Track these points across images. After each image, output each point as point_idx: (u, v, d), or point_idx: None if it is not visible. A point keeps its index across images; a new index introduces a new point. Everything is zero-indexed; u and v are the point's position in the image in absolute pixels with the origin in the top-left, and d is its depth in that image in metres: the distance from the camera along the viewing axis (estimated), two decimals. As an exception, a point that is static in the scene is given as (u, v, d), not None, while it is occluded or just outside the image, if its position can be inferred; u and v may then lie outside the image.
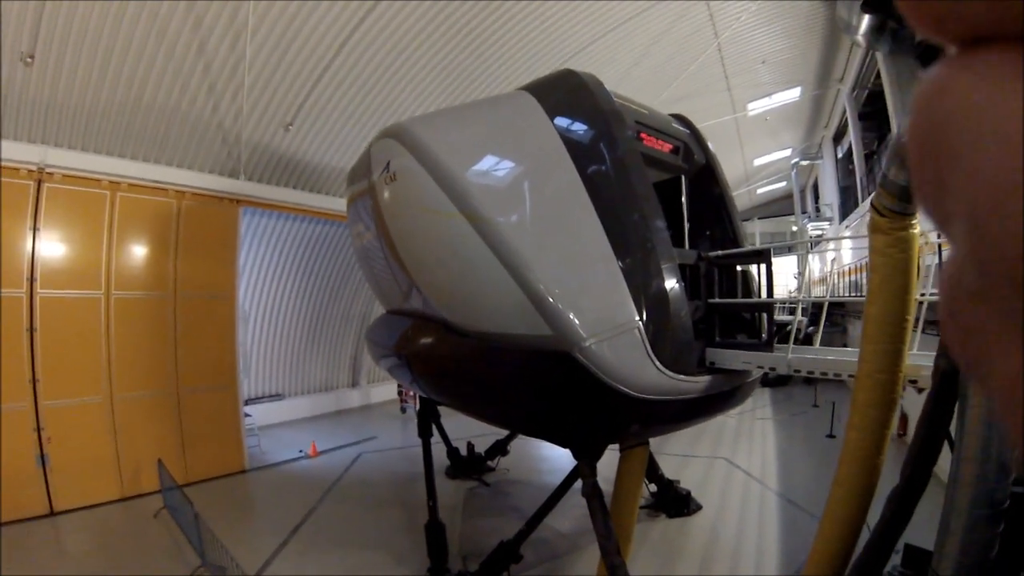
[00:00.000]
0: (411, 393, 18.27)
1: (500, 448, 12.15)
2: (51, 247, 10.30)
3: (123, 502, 10.57)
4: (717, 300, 6.91)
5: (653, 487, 9.92)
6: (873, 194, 4.59)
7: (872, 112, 22.51)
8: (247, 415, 13.54)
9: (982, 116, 0.30)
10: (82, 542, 8.96)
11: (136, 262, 11.48)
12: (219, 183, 12.70)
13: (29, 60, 9.06)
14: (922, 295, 5.01)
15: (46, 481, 9.89)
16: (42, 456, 9.86)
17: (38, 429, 9.89)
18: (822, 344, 6.94)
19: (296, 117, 13.00)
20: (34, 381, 9.92)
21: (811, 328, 12.29)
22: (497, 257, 5.59)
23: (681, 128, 8.04)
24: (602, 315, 5.43)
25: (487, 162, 6.28)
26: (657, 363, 5.42)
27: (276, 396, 17.87)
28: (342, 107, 13.56)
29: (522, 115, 6.53)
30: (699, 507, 9.92)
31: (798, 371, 5.77)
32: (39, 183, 10.10)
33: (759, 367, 6.26)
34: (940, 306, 0.34)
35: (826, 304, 6.75)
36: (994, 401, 0.32)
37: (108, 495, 10.56)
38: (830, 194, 30.69)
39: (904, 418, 11.94)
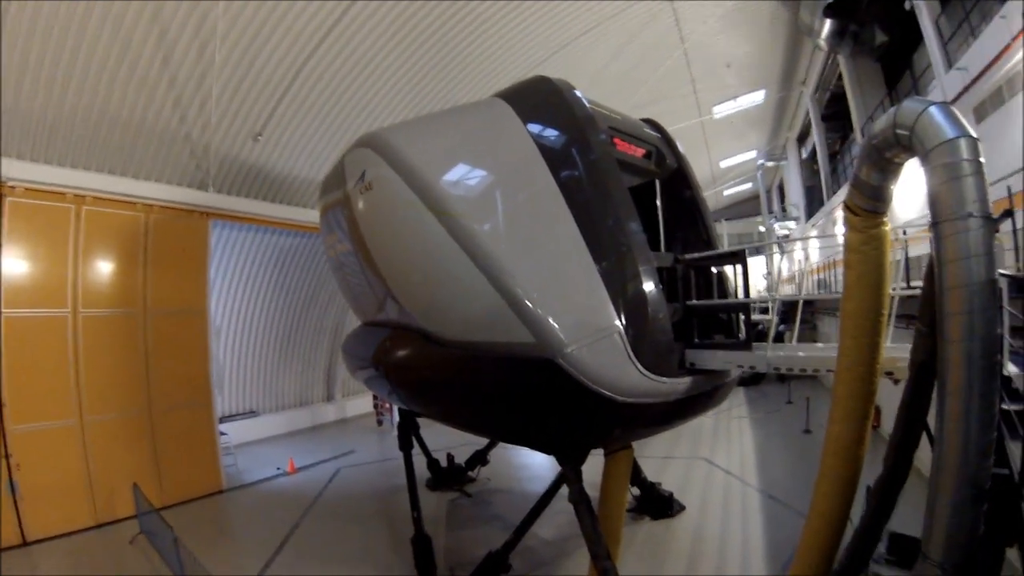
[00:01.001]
0: (387, 405, 18.11)
1: (480, 458, 12.09)
2: (14, 264, 9.90)
3: (98, 529, 10.20)
4: (695, 302, 6.97)
5: (636, 490, 9.94)
6: (846, 194, 4.70)
7: (834, 113, 23.08)
8: (222, 433, 13.25)
9: None
10: (58, 572, 8.61)
11: (104, 278, 11.13)
12: (188, 195, 12.43)
13: (-12, 69, 8.69)
14: (893, 289, 5.13)
15: (16, 510, 9.46)
16: (11, 483, 9.44)
17: (6, 456, 9.47)
18: (790, 341, 7.07)
19: (266, 127, 12.80)
20: (0, 405, 9.51)
21: (782, 326, 12.50)
22: (476, 264, 5.57)
23: (653, 133, 8.13)
24: (583, 320, 5.44)
25: (463, 169, 6.27)
26: (639, 366, 5.45)
27: (251, 413, 17.53)
28: (312, 115, 13.41)
29: (497, 122, 6.53)
30: (682, 508, 9.99)
31: (778, 368, 5.86)
32: (0, 197, 9.72)
33: (738, 366, 6.34)
34: None
35: (800, 302, 6.86)
36: None
37: (82, 522, 10.15)
38: (796, 194, 31.37)
39: (877, 410, 12.20)
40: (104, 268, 11.17)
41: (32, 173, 10.03)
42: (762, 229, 36.51)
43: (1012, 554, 3.72)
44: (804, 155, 29.44)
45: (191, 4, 9.71)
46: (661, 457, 12.95)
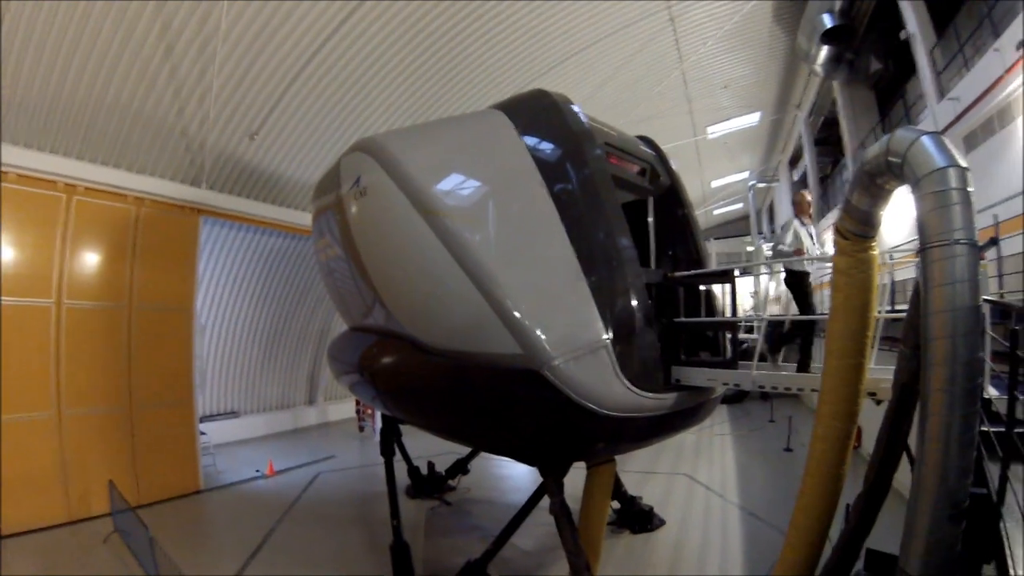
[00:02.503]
0: (370, 411, 18.00)
1: (461, 467, 12.01)
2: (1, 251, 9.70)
3: (70, 525, 9.94)
4: (683, 319, 7.02)
5: (616, 504, 9.93)
6: (837, 218, 4.78)
7: (827, 138, 23.49)
8: (202, 433, 13.10)
9: None
10: (26, 570, 8.39)
11: (90, 271, 10.95)
12: (180, 191, 12.32)
13: (-13, 51, 8.57)
14: (878, 312, 5.21)
15: None
16: None
17: None
18: (775, 360, 7.15)
19: (262, 127, 12.78)
20: None
21: (765, 346, 12.59)
22: (467, 274, 5.59)
23: (648, 150, 8.20)
24: (571, 333, 5.47)
25: (458, 179, 6.29)
26: (625, 381, 5.48)
27: (231, 414, 17.34)
28: (309, 118, 13.40)
29: (494, 133, 6.57)
30: (662, 522, 9.98)
31: (762, 387, 5.91)
32: None
33: (724, 384, 6.38)
34: None
35: (788, 322, 6.93)
36: None
37: (54, 518, 9.88)
38: (786, 216, 31.65)
39: (859, 430, 12.27)
40: (91, 260, 10.99)
41: (26, 160, 9.85)
42: (750, 249, 36.82)
43: (989, 570, 3.77)
44: (795, 178, 29.82)
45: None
46: (642, 472, 12.95)
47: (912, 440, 4.11)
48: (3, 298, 9.66)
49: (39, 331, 10.18)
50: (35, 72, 9.27)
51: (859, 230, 4.54)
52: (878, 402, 4.98)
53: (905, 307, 4.71)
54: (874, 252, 4.63)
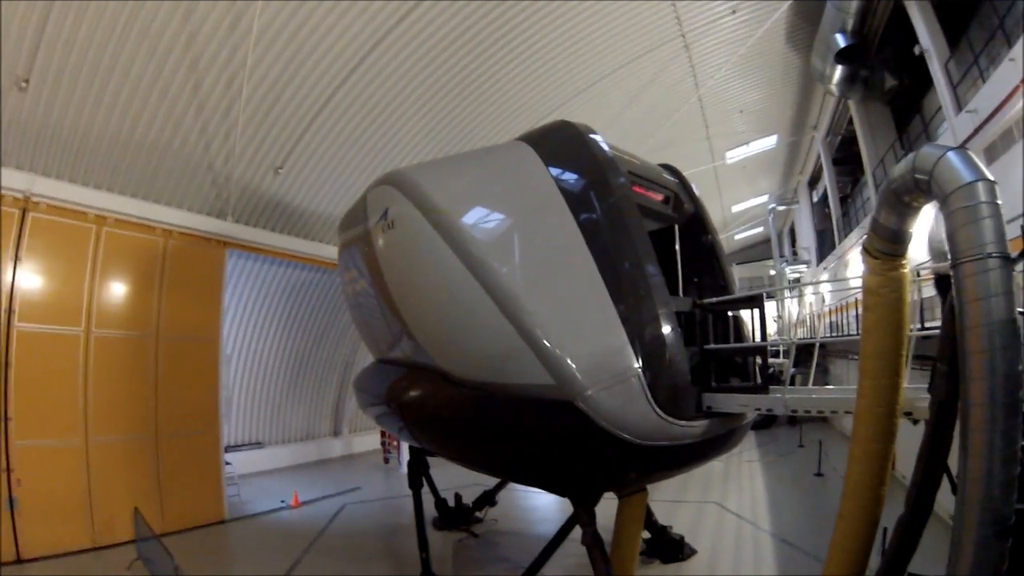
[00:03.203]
0: (395, 443, 17.93)
1: (488, 498, 11.91)
2: (31, 279, 9.93)
3: (95, 551, 9.98)
4: (713, 346, 6.97)
5: (646, 533, 9.76)
6: (865, 238, 4.76)
7: (845, 157, 23.35)
8: (227, 463, 13.16)
9: None
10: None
11: (119, 300, 11.19)
12: (207, 223, 12.62)
13: (24, 84, 8.92)
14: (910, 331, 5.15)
15: (13, 525, 9.27)
16: (11, 499, 9.26)
17: (8, 470, 9.32)
18: (801, 384, 7.04)
19: (287, 160, 13.08)
20: (5, 419, 9.38)
21: (793, 370, 12.42)
22: (497, 305, 5.63)
23: (671, 178, 8.26)
24: (602, 363, 5.47)
25: (486, 210, 6.37)
26: (657, 409, 5.44)
27: (256, 444, 17.41)
28: (332, 152, 13.70)
29: (519, 164, 6.67)
30: (693, 552, 9.77)
31: (794, 411, 5.83)
32: (24, 211, 9.80)
33: (756, 409, 6.30)
34: None
35: (817, 345, 6.86)
36: None
37: (79, 543, 9.93)
38: (806, 237, 31.46)
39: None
40: (119, 290, 11.24)
41: (57, 191, 10.13)
42: (772, 273, 36.51)
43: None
44: (815, 199, 29.65)
45: (223, 35, 10.05)
46: (672, 501, 12.72)
47: (952, 459, 4.04)
48: (33, 325, 9.89)
49: (68, 359, 10.36)
50: (67, 106, 9.62)
51: (888, 249, 4.51)
52: (915, 422, 4.89)
53: (932, 325, 4.66)
54: (904, 270, 4.59)
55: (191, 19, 9.61)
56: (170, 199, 12.02)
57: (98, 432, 10.55)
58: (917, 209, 4.28)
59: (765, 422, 21.74)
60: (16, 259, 9.72)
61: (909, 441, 4.92)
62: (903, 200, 4.20)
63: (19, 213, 9.78)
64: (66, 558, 9.65)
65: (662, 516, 10.46)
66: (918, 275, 7.03)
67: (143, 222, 11.53)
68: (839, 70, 16.35)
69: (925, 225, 4.84)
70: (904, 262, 4.60)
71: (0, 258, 9.52)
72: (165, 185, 11.78)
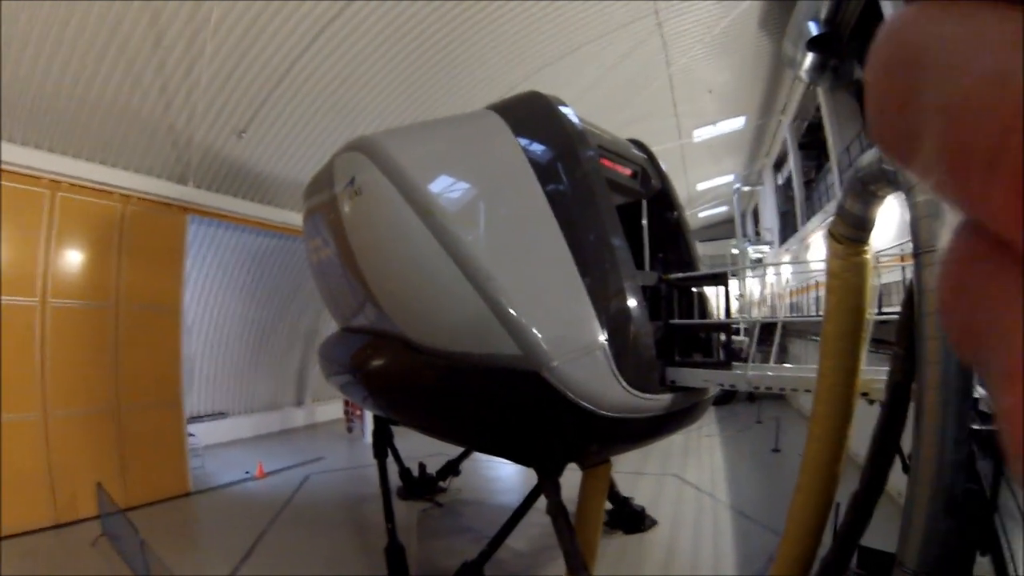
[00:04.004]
0: (358, 412, 17.93)
1: (452, 468, 12.02)
2: None
3: (57, 529, 9.82)
4: (677, 321, 7.09)
5: (608, 504, 9.99)
6: (830, 222, 4.87)
7: (811, 142, 23.73)
8: (190, 434, 12.97)
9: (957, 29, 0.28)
10: (15, 573, 8.29)
11: (76, 269, 10.81)
12: (167, 189, 12.20)
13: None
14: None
15: None
16: None
17: None
18: (760, 362, 7.24)
19: (250, 124, 12.67)
20: None
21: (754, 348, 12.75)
22: (464, 273, 5.58)
23: (639, 153, 8.27)
24: (568, 334, 5.50)
25: (454, 178, 6.30)
26: (622, 382, 5.52)
27: (220, 414, 17.19)
28: (297, 116, 13.31)
29: (489, 133, 6.58)
30: (654, 523, 10.07)
31: (756, 388, 5.98)
32: None
33: (718, 385, 6.45)
34: (939, 286, 0.32)
35: (779, 324, 7.03)
36: (993, 399, 0.28)
37: (41, 521, 9.75)
38: (770, 219, 32.00)
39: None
40: (76, 258, 10.85)
41: (7, 154, 9.61)
42: (735, 252, 37.09)
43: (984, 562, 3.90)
44: (780, 181, 30.11)
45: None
46: (633, 472, 13.02)
47: (905, 440, 4.22)
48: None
49: (23, 331, 10.01)
50: (16, 64, 9.07)
51: (852, 234, 4.64)
52: (871, 402, 5.08)
53: (889, 311, 4.83)
54: (867, 256, 4.73)
55: (151, -31, 9.14)
56: (128, 163, 11.51)
57: (57, 406, 10.28)
58: (882, 198, 4.40)
59: (724, 398, 22.27)
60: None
61: (862, 421, 5.11)
62: (869, 188, 4.31)
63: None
64: (28, 536, 9.46)
65: (623, 487, 10.72)
66: (877, 261, 7.26)
67: (100, 187, 11.07)
68: (810, 57, 16.57)
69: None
70: (867, 248, 4.74)
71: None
72: (123, 148, 11.27)
